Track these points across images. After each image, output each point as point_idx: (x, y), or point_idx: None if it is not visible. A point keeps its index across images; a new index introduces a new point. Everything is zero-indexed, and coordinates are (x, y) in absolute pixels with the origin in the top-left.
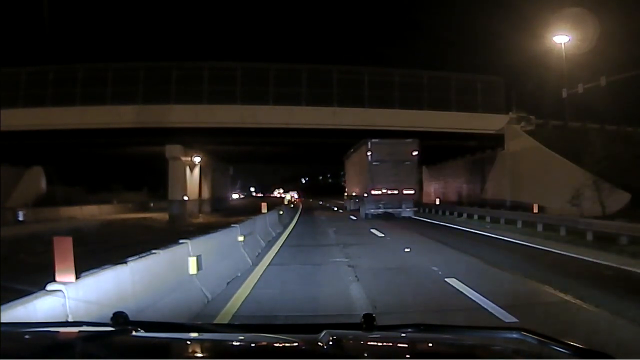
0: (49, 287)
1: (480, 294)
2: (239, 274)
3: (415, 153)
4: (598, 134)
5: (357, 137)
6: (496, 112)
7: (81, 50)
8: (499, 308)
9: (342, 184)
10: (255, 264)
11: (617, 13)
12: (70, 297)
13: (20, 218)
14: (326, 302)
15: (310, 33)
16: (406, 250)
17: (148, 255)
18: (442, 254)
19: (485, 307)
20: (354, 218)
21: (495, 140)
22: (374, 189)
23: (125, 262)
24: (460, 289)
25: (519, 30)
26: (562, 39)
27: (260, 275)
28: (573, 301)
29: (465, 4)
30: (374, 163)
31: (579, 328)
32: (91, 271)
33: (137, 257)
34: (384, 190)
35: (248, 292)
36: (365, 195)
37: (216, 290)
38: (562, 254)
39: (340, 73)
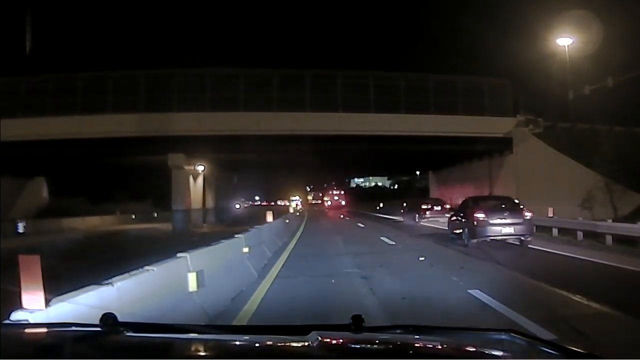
0: (14, 316)
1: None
2: (244, 289)
3: None
4: (607, 136)
5: (362, 142)
6: (503, 115)
7: (80, 59)
8: None
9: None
10: (261, 276)
11: (621, 13)
12: None
13: (20, 230)
14: (340, 320)
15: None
16: (420, 258)
17: (139, 272)
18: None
19: None
20: (362, 225)
21: (503, 144)
22: None
23: (111, 283)
24: None
25: (524, 32)
26: (565, 40)
27: (267, 290)
28: None
29: (468, 7)
30: None
31: None
32: (67, 294)
33: (127, 274)
34: None
35: (254, 309)
36: None
37: (219, 308)
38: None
39: (345, 78)
